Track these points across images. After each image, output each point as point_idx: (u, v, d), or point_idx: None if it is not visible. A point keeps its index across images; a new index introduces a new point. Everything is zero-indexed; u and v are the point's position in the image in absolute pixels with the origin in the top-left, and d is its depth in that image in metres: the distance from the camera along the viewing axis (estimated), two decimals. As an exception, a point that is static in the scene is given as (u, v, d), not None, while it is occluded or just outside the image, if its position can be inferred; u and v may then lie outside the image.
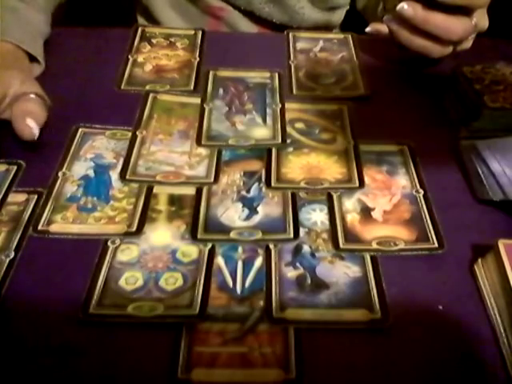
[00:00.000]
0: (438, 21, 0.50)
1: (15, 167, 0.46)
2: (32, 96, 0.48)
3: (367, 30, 0.59)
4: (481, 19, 0.52)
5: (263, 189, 0.46)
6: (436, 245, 0.42)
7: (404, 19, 0.50)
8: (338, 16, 0.78)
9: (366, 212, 0.45)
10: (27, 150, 0.48)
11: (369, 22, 0.75)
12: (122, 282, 0.39)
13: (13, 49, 0.52)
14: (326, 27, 0.76)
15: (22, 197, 0.44)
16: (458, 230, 0.43)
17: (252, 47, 0.64)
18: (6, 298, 0.37)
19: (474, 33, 0.53)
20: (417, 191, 0.47)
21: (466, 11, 0.50)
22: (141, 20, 0.79)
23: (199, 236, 0.42)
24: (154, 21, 0.76)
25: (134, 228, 0.42)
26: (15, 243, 0.40)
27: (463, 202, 0.47)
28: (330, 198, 0.46)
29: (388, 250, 0.42)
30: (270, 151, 0.50)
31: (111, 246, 0.41)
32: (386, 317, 0.37)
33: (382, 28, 0.56)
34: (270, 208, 0.45)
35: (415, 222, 0.44)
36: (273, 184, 0.46)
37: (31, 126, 0.46)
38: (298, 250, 0.41)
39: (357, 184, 0.47)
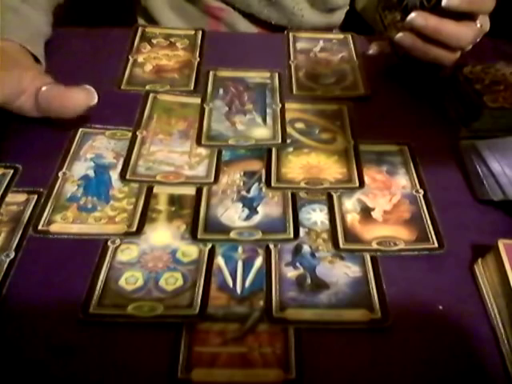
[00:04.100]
0: (449, 29, 0.50)
1: (12, 171, 0.46)
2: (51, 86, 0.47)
3: (370, 52, 0.60)
4: (484, 22, 0.52)
5: (263, 189, 0.46)
6: (436, 245, 0.42)
7: (415, 29, 0.51)
8: (338, 17, 0.78)
9: (365, 212, 0.45)
10: (27, 150, 0.48)
11: (368, 22, 0.75)
12: (122, 282, 0.39)
13: (17, 47, 0.52)
14: (326, 29, 0.76)
15: (21, 197, 0.44)
16: (458, 230, 0.43)
17: (252, 47, 0.64)
18: (7, 298, 0.37)
19: (480, 36, 0.53)
20: (417, 191, 0.47)
21: (471, 16, 0.50)
22: (141, 21, 0.79)
23: (199, 236, 0.42)
24: (153, 21, 0.76)
25: (134, 228, 0.42)
26: (15, 243, 0.40)
27: (463, 202, 0.47)
28: (329, 197, 0.46)
29: (388, 250, 0.42)
30: (270, 151, 0.50)
31: (111, 246, 0.41)
32: (386, 317, 0.37)
33: (384, 46, 0.57)
34: (270, 208, 0.45)
35: (415, 222, 0.44)
36: (273, 184, 0.46)
37: (87, 88, 0.47)
38: (298, 250, 0.41)
39: (357, 184, 0.47)
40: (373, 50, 0.60)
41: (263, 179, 0.47)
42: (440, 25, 0.50)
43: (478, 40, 0.54)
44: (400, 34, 0.53)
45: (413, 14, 0.50)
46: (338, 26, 0.81)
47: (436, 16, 0.50)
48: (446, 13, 0.49)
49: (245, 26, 0.74)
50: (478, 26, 0.51)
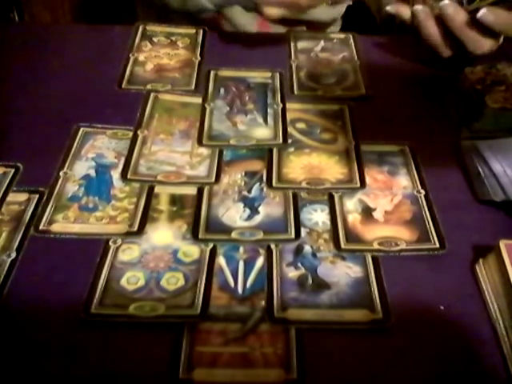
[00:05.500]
0: (472, 34, 0.50)
1: (13, 170, 0.46)
2: None
3: (388, 8, 0.58)
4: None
5: (264, 189, 0.46)
6: (437, 245, 0.42)
7: (442, 16, 0.50)
8: (338, 11, 0.77)
9: (367, 212, 0.45)
10: (28, 150, 0.48)
11: (373, 14, 0.75)
12: (123, 282, 0.39)
13: None
14: (326, 23, 0.75)
15: (23, 196, 0.44)
16: (459, 231, 0.43)
17: (253, 47, 0.64)
18: (8, 298, 0.37)
19: (494, 49, 0.53)
20: (418, 191, 0.47)
21: (495, 34, 0.50)
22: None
23: (200, 236, 0.42)
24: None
25: (136, 228, 0.42)
26: (17, 243, 0.40)
27: (464, 203, 0.47)
28: (331, 198, 0.46)
29: (389, 250, 0.42)
30: (271, 151, 0.50)
31: (112, 246, 0.41)
32: (388, 317, 0.37)
33: (403, 11, 0.55)
34: (271, 208, 0.45)
35: (416, 223, 0.44)
36: (274, 184, 0.46)
37: None
38: (299, 250, 0.41)
39: (358, 184, 0.47)
40: (392, 8, 0.58)
41: (264, 179, 0.47)
42: (466, 26, 0.49)
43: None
44: (419, 7, 0.52)
45: (447, 1, 0.50)
46: (339, 26, 0.80)
47: (467, 17, 0.49)
48: (476, 21, 0.49)
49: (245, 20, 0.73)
50: (500, 41, 0.51)
